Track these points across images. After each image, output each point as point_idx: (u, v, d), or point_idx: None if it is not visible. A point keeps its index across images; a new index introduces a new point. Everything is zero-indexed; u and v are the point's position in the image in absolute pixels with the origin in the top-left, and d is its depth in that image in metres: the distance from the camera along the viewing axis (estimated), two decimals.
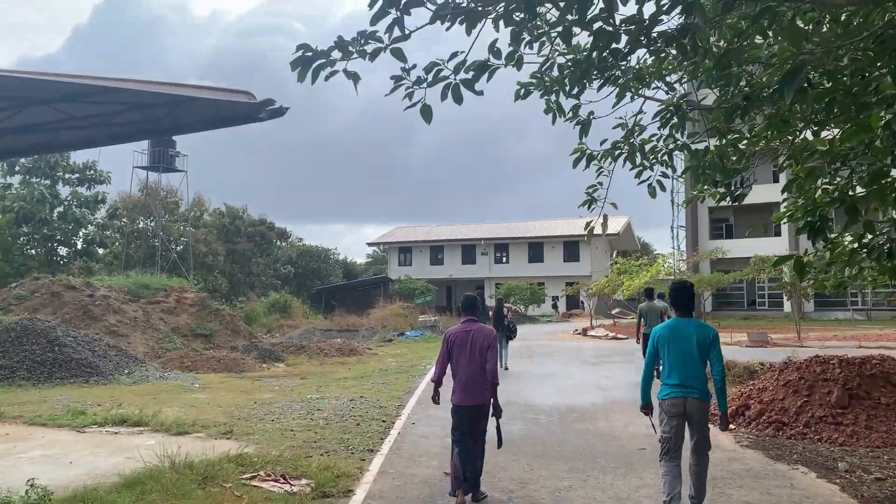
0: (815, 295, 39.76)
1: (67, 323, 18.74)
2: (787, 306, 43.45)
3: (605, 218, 9.26)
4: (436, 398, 6.49)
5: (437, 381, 6.44)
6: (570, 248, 55.78)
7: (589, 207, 9.51)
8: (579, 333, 29.99)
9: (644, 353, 16.11)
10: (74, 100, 7.05)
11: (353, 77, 5.84)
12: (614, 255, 63.02)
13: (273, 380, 15.44)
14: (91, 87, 6.45)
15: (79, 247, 37.64)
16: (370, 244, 65.53)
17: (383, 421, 9.80)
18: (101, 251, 39.67)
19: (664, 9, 6.82)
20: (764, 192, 45.52)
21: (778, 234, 44.85)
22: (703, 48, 6.57)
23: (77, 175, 37.00)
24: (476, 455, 6.22)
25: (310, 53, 5.70)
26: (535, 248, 56.50)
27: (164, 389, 13.62)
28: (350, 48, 5.75)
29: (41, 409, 10.94)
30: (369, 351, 22.44)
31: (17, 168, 35.49)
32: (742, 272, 37.62)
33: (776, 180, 45.53)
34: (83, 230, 37.36)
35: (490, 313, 19.56)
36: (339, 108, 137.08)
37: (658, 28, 6.43)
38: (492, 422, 6.30)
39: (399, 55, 5.65)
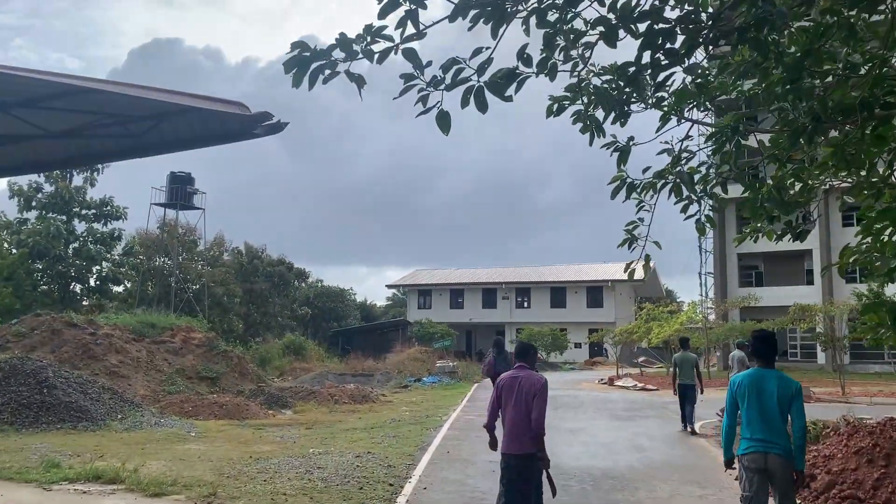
0: (850, 346, 37.95)
1: (65, 362, 17.78)
2: (822, 358, 41.60)
3: (648, 259, 8.22)
4: (492, 444, 6.35)
5: (489, 427, 6.31)
6: (594, 293, 54.36)
7: (629, 247, 8.45)
8: (605, 383, 28.53)
9: (680, 406, 15.07)
10: (37, 104, 6.17)
11: (358, 81, 4.81)
12: (637, 302, 61.48)
13: (276, 429, 14.27)
14: (56, 85, 5.56)
15: (92, 284, 37.03)
16: (389, 286, 64.82)
17: (390, 485, 8.58)
18: (116, 289, 39.04)
19: (727, 4, 5.77)
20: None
21: (811, 282, 43.24)
22: (776, 51, 5.52)
23: (93, 211, 36.57)
24: None
25: (307, 53, 4.70)
26: (558, 294, 55.13)
27: (156, 438, 12.51)
28: (354, 46, 4.74)
29: (14, 459, 9.86)
30: (383, 398, 21.20)
31: (33, 203, 35.14)
32: (776, 321, 35.96)
33: None
34: (97, 267, 36.78)
35: (510, 358, 19.47)
36: (366, 155, 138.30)
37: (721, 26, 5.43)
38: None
39: (412, 56, 4.65)
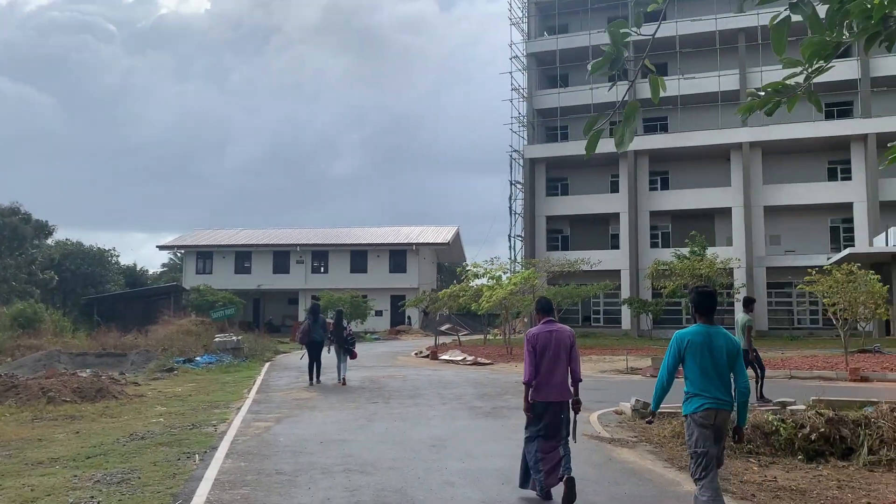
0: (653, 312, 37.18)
1: None
2: (626, 323, 40.66)
3: (657, 82, 4.18)
4: (527, 403, 6.47)
5: (529, 384, 6.44)
6: (397, 257, 50.01)
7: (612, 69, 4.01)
8: (425, 356, 24.01)
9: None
10: None
11: None
12: (438, 268, 58.18)
13: None
14: None
15: None
16: (162, 247, 55.57)
17: None
18: None
19: None
20: (600, 202, 42.73)
21: (616, 246, 42.11)
22: None
23: None
24: (559, 454, 6.28)
25: None
26: (359, 257, 50.11)
27: None
28: None
29: None
30: (134, 388, 14.78)
31: None
32: (600, 285, 33.80)
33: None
34: None
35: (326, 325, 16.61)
36: (148, 116, 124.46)
37: None
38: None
39: None
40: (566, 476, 6.09)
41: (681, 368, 5.33)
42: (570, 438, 6.40)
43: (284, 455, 8.03)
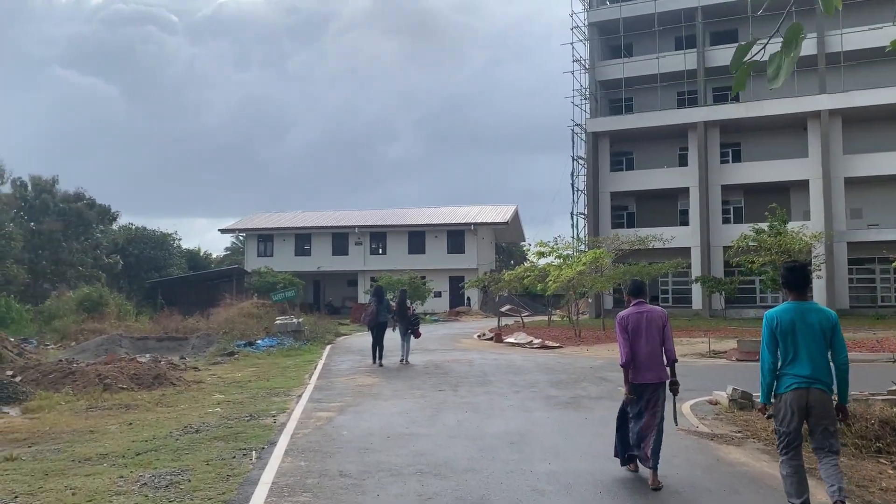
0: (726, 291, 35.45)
1: None
2: (697, 302, 38.98)
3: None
4: (628, 388, 6.31)
5: (628, 365, 6.29)
6: (455, 237, 49.14)
7: None
8: (489, 339, 23.11)
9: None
10: None
11: None
12: (497, 248, 56.98)
13: None
14: None
15: None
16: (224, 230, 55.81)
17: None
18: None
19: None
20: (668, 177, 40.78)
21: (685, 223, 40.29)
22: None
23: None
24: (657, 433, 6.18)
25: None
26: (416, 238, 49.45)
27: None
28: None
29: None
30: (193, 374, 14.36)
31: None
32: (668, 263, 32.29)
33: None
34: None
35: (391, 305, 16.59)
36: (211, 104, 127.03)
37: None
38: (669, 397, 6.40)
39: None
40: (655, 468, 6.08)
41: None
42: (673, 422, 6.73)
43: (348, 452, 7.25)
